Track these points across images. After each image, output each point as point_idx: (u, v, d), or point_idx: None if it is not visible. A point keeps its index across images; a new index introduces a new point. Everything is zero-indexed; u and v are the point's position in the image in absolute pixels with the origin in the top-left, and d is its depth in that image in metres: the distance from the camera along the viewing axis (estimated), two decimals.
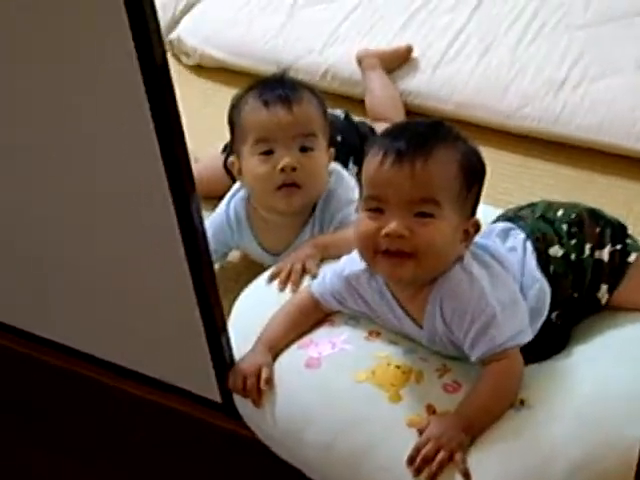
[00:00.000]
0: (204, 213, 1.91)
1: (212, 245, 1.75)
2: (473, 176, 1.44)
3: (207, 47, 2.47)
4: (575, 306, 1.58)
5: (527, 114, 2.15)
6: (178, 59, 2.53)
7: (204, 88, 2.44)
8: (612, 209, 1.68)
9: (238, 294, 1.73)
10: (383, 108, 2.20)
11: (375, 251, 1.42)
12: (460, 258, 1.45)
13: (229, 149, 1.92)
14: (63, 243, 1.57)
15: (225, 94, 2.25)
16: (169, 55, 2.50)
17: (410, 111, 2.23)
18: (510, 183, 2.05)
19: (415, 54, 2.32)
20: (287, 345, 1.56)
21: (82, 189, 1.44)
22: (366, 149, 1.46)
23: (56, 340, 1.75)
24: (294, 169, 1.70)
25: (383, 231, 1.39)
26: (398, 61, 2.31)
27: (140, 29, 1.16)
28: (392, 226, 1.38)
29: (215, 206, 1.88)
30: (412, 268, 1.40)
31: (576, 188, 2.03)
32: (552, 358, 1.54)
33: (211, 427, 1.65)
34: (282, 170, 1.69)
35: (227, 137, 1.85)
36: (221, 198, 1.88)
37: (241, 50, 2.44)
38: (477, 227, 1.46)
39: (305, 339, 1.56)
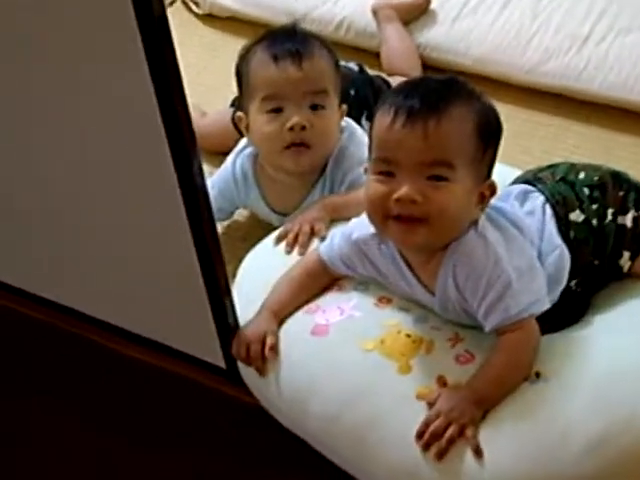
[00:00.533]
0: (212, 169, 1.91)
1: (218, 203, 1.74)
2: (489, 136, 1.37)
3: None
4: (596, 274, 1.51)
5: (548, 70, 2.07)
6: (189, 8, 2.46)
7: (214, 38, 2.38)
8: (637, 172, 1.61)
9: (245, 255, 1.67)
10: (399, 61, 2.13)
11: (385, 216, 1.35)
12: (475, 222, 1.38)
13: (237, 103, 1.85)
14: (63, 205, 1.51)
15: (236, 45, 2.16)
16: (179, 3, 2.46)
17: (427, 65, 2.16)
18: (529, 141, 1.98)
19: (433, 5, 2.24)
20: (293, 311, 1.50)
21: (78, 151, 1.38)
22: (376, 107, 1.39)
23: (58, 301, 1.71)
24: (303, 128, 1.62)
25: (394, 195, 1.32)
26: (415, 13, 2.23)
27: None
28: (404, 190, 1.31)
29: (223, 162, 1.82)
30: (424, 234, 1.34)
31: (599, 148, 1.96)
32: (570, 328, 1.48)
33: (215, 393, 1.60)
34: (291, 129, 1.62)
35: (236, 91, 1.77)
36: (229, 154, 1.81)
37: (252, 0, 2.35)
38: (493, 190, 1.39)
39: (312, 305, 1.51)
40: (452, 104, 1.33)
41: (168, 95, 1.21)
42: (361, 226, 1.47)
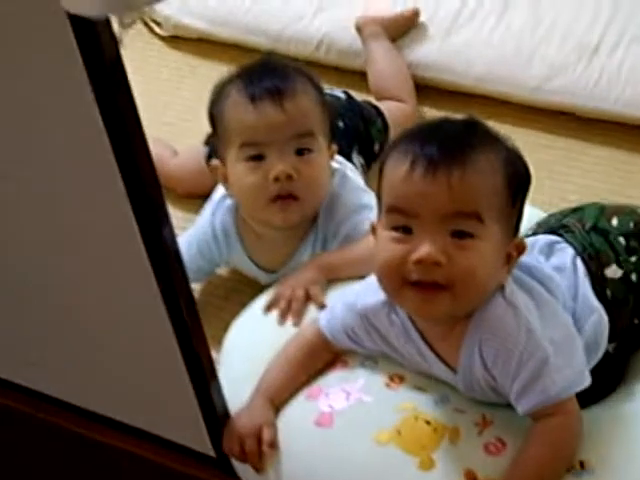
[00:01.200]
0: (188, 216, 1.72)
1: (196, 263, 1.57)
2: (518, 186, 1.19)
3: (182, 15, 2.19)
4: (635, 334, 1.33)
5: (556, 87, 1.87)
6: (151, 29, 2.26)
7: (181, 63, 2.18)
8: None
9: (229, 317, 1.49)
10: (389, 84, 1.93)
11: (402, 282, 1.16)
12: (501, 286, 1.19)
13: (212, 145, 1.65)
14: (23, 280, 1.33)
15: (206, 70, 2.06)
16: (140, 25, 2.27)
17: (420, 86, 1.96)
18: (539, 169, 1.77)
19: (422, 18, 2.03)
20: (292, 395, 1.31)
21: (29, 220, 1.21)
22: (386, 152, 1.22)
23: (35, 389, 1.51)
24: (290, 177, 1.43)
25: (414, 256, 1.13)
26: (404, 27, 2.02)
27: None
28: (425, 250, 1.12)
29: (201, 208, 1.63)
30: (447, 303, 1.15)
31: (617, 172, 1.77)
32: (610, 400, 1.28)
33: None
34: (276, 179, 1.43)
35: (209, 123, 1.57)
36: (207, 197, 1.63)
37: (221, 18, 2.16)
38: (522, 249, 1.21)
39: (314, 387, 1.31)
40: (478, 150, 1.16)
41: (127, 151, 1.02)
42: (367, 292, 1.28)
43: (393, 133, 1.75)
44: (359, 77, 2.00)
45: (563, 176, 1.77)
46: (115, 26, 2.12)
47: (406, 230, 1.15)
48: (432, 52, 1.97)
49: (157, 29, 2.24)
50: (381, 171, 1.21)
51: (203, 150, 1.76)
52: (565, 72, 1.87)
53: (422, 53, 1.98)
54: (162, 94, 2.07)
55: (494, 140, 1.20)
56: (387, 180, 1.18)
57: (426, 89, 1.95)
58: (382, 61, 1.96)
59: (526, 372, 1.16)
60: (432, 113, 1.91)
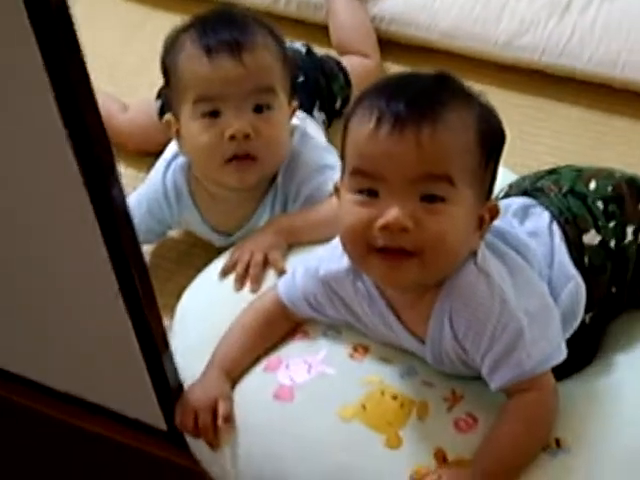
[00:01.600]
0: (140, 174, 1.63)
1: (147, 224, 1.48)
2: (492, 146, 1.11)
3: None
4: (612, 303, 1.26)
5: (526, 43, 1.79)
6: None
7: (135, 15, 2.07)
8: (633, 160, 1.42)
9: (183, 279, 1.42)
10: (351, 37, 1.84)
11: (367, 248, 1.07)
12: (473, 252, 1.11)
13: (164, 99, 1.55)
14: None
15: (161, 21, 1.93)
16: None
17: (383, 40, 1.87)
18: (510, 129, 1.70)
19: None
20: (249, 366, 1.23)
21: None
22: (350, 109, 1.13)
23: None
24: (247, 136, 1.33)
25: (380, 222, 1.04)
26: None
27: None
28: (392, 214, 1.04)
29: (152, 165, 1.53)
30: (415, 270, 1.07)
31: (588, 133, 1.71)
32: (586, 372, 1.22)
33: (159, 461, 1.32)
34: (232, 138, 1.33)
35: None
36: (160, 154, 1.53)
37: None
38: (495, 212, 1.13)
39: (272, 357, 1.23)
40: (449, 107, 1.07)
41: (73, 105, 0.93)
42: (330, 258, 1.20)
43: (356, 89, 1.66)
44: (321, 31, 1.90)
45: (533, 137, 1.71)
46: None
47: (371, 193, 1.06)
48: (397, 5, 1.88)
49: None
50: (345, 129, 1.12)
51: (155, 104, 1.67)
52: (535, 28, 1.80)
53: (386, 5, 1.88)
54: (113, 47, 1.97)
55: (467, 96, 1.11)
56: (351, 139, 1.09)
57: (389, 44, 1.87)
58: (344, 13, 1.86)
59: (499, 345, 1.09)
60: (396, 69, 1.82)
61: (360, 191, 1.07)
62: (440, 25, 1.84)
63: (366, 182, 1.07)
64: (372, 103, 1.07)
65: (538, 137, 1.70)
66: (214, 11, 1.41)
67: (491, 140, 1.10)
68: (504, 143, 1.13)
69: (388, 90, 1.09)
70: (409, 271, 1.07)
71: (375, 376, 1.19)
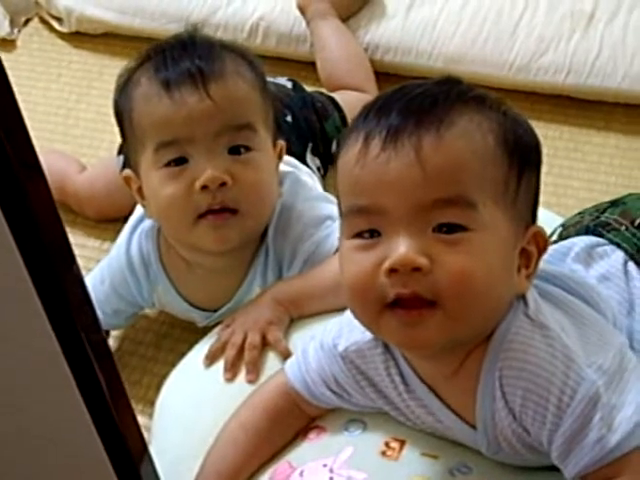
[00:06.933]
0: (103, 246, 1.47)
1: (112, 304, 1.27)
2: (522, 153, 0.88)
3: (85, 7, 1.89)
4: None
5: (548, 64, 1.59)
6: (50, 26, 1.96)
7: (87, 64, 1.89)
8: None
9: (162, 368, 1.27)
10: (342, 71, 1.63)
11: (379, 306, 0.85)
12: (521, 300, 0.89)
13: (124, 155, 1.34)
14: None
15: (116, 69, 1.72)
16: (36, 21, 1.98)
17: (380, 72, 1.66)
18: None
19: None
20: (252, 478, 1.01)
21: None
22: (338, 144, 0.93)
23: None
24: (223, 184, 1.11)
25: (385, 264, 0.84)
26: (356, 3, 1.72)
27: None
28: (399, 251, 0.83)
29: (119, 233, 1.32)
30: (440, 324, 0.84)
31: (629, 160, 1.53)
32: None
33: None
34: (204, 188, 1.11)
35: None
36: (127, 220, 1.32)
37: (131, 7, 1.86)
38: (543, 243, 0.90)
39: (282, 464, 1.01)
40: (457, 109, 0.87)
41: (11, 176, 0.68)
42: (350, 328, 0.97)
43: None
44: (305, 68, 1.71)
45: (566, 171, 1.52)
46: (7, 26, 1.75)
47: (373, 234, 0.86)
48: (392, 30, 1.68)
49: (57, 26, 1.94)
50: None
51: (118, 161, 1.45)
52: (557, 46, 1.60)
53: (380, 33, 1.69)
54: (66, 101, 1.80)
55: (481, 98, 0.89)
56: (340, 175, 0.90)
57: (387, 76, 1.67)
58: (333, 44, 1.66)
59: (569, 417, 0.85)
60: None
61: (359, 234, 0.87)
62: (444, 50, 1.64)
63: (363, 221, 0.87)
64: (359, 124, 0.89)
65: (572, 171, 1.52)
66: (173, 38, 1.19)
67: (522, 146, 0.88)
68: (539, 150, 0.91)
69: (378, 106, 0.89)
70: (432, 327, 0.84)
71: (419, 478, 0.95)
